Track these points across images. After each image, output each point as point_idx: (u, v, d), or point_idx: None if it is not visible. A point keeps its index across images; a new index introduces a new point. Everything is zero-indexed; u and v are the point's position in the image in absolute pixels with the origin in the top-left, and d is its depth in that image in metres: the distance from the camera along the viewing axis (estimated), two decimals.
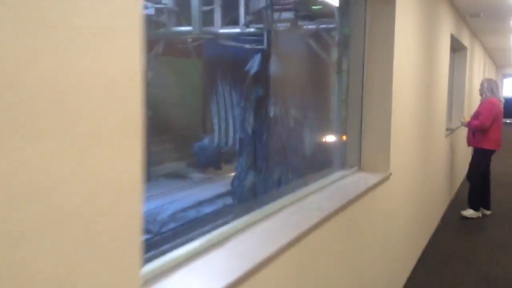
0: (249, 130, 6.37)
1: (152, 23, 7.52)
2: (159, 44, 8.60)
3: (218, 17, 7.29)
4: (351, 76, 3.28)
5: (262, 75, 6.44)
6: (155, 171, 9.68)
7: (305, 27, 7.29)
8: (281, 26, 7.12)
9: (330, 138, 5.77)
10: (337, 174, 3.07)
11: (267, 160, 6.19)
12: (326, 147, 5.27)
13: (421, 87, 4.26)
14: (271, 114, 6.37)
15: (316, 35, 7.39)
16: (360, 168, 3.28)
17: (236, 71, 7.66)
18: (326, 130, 6.31)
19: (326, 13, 7.15)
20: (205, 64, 8.38)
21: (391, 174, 3.25)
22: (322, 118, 6.59)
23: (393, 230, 3.56)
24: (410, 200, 4.10)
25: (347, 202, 2.43)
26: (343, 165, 3.28)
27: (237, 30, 7.29)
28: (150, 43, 8.64)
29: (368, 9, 3.21)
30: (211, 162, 10.13)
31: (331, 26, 7.20)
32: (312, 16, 7.34)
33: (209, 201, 7.60)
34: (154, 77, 9.33)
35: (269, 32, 6.87)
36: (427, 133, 4.69)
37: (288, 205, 2.32)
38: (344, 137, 3.38)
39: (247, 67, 6.68)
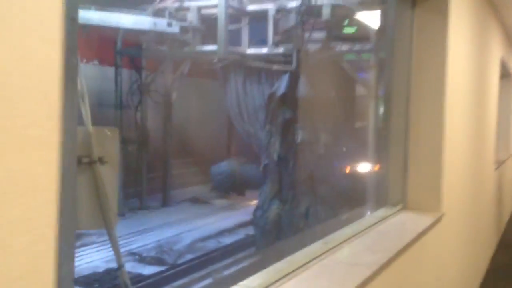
0: (275, 156, 5.87)
1: (176, 42, 7.22)
2: (184, 64, 8.30)
3: (245, 36, 6.94)
4: (394, 102, 2.81)
5: (290, 97, 5.97)
6: (176, 195, 9.26)
7: (337, 48, 6.85)
8: (311, 47, 6.70)
9: (366, 168, 5.21)
10: (378, 214, 2.54)
11: (293, 189, 5.65)
12: (361, 178, 4.72)
13: (472, 115, 3.73)
14: (299, 139, 5.85)
15: (350, 57, 6.94)
16: (405, 207, 2.73)
17: (263, 93, 7.24)
18: (362, 159, 5.73)
19: (361, 35, 6.71)
20: (231, 85, 7.98)
21: (443, 214, 2.69)
22: (356, 145, 6.04)
23: (443, 282, 2.97)
24: (463, 244, 3.52)
25: (395, 254, 1.90)
26: (384, 202, 2.75)
27: (265, 50, 6.92)
28: (175, 63, 8.36)
29: (414, 27, 2.73)
30: (234, 188, 9.67)
31: (367, 48, 6.73)
32: (345, 38, 6.91)
33: (230, 230, 7.10)
34: (178, 98, 9.03)
35: (298, 52, 6.44)
36: (477, 166, 4.10)
37: (318, 255, 1.81)
38: (384, 168, 2.86)
39: (274, 88, 6.24)
